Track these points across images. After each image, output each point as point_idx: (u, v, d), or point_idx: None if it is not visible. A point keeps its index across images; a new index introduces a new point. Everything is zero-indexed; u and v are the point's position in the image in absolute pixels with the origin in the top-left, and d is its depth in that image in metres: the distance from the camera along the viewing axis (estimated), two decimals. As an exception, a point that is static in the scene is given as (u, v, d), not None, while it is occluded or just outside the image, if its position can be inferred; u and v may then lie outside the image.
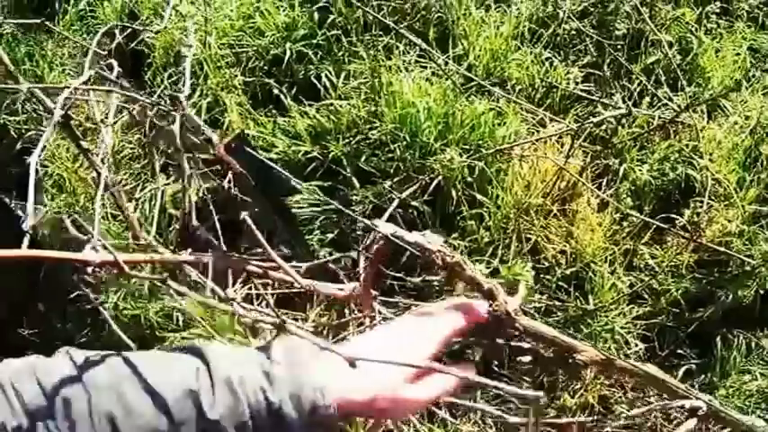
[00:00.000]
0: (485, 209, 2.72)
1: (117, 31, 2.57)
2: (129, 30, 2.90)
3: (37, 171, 1.15)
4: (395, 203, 2.60)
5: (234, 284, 2.32)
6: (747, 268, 2.63)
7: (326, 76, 2.98)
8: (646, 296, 2.70)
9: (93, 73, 1.44)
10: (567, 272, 2.68)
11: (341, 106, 2.90)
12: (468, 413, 2.47)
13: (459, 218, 2.74)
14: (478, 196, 2.73)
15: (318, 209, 2.70)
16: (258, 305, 2.33)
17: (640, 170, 2.83)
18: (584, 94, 2.98)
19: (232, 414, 0.78)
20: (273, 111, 3.02)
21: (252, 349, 0.86)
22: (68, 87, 1.23)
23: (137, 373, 0.79)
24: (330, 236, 2.72)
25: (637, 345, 2.61)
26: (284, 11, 3.14)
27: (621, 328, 2.60)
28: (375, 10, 3.01)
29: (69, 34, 3.19)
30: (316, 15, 3.09)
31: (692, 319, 2.67)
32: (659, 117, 2.84)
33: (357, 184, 2.78)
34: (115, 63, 1.67)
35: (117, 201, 2.10)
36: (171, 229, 2.80)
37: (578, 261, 2.68)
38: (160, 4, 3.21)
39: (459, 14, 3.11)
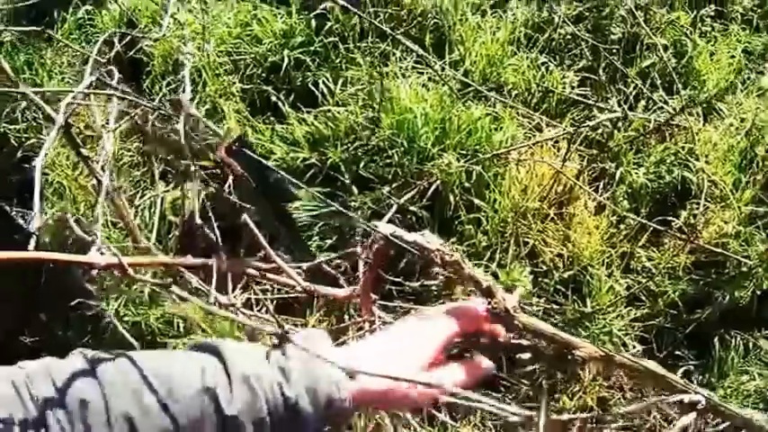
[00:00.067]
0: (482, 213, 2.73)
1: (116, 40, 2.58)
2: (128, 38, 2.91)
3: (40, 177, 1.16)
4: (393, 209, 2.61)
5: (234, 290, 2.33)
6: (744, 269, 2.64)
7: (324, 82, 3.00)
8: (643, 298, 2.71)
9: (94, 79, 1.45)
10: (565, 275, 2.69)
11: (339, 113, 2.92)
12: (468, 416, 2.48)
13: (457, 222, 2.75)
14: (476, 201, 2.74)
15: (317, 212, 2.71)
16: (258, 311, 2.34)
17: (637, 173, 2.84)
18: (580, 98, 3.00)
19: (250, 410, 0.79)
20: (272, 118, 3.03)
21: (265, 346, 0.86)
22: (71, 92, 1.24)
23: (153, 373, 0.78)
24: (329, 242, 2.73)
25: (635, 346, 2.62)
26: (281, 18, 3.16)
27: (619, 330, 2.61)
28: (372, 16, 3.03)
29: (68, 43, 3.20)
30: (313, 22, 3.11)
31: (690, 320, 2.68)
32: (655, 120, 2.85)
33: (355, 191, 2.79)
34: (115, 70, 1.69)
35: (117, 207, 2.11)
36: (170, 236, 2.80)
37: (576, 264, 2.69)
38: (158, 12, 3.23)
39: (456, 20, 3.13)
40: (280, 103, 3.02)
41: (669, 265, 2.70)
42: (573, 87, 3.02)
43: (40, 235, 2.70)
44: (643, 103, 2.96)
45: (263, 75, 3.11)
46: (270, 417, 0.79)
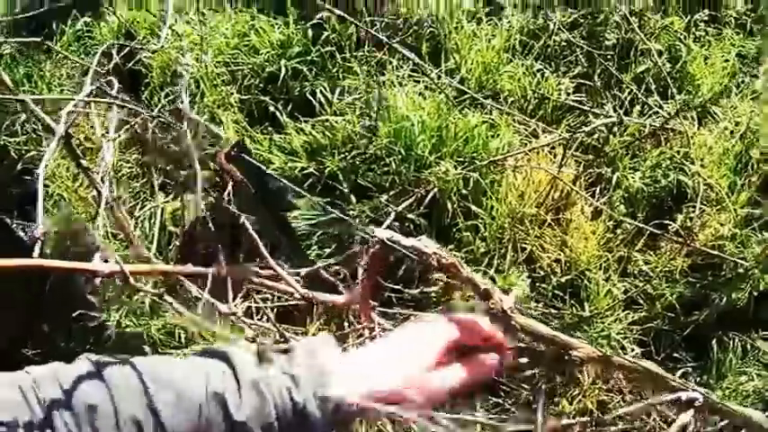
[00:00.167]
0: (480, 220, 2.74)
1: (114, 51, 2.60)
2: (127, 50, 2.92)
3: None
4: (391, 217, 2.62)
5: (234, 299, 2.33)
6: (741, 271, 2.65)
7: (321, 92, 3.01)
8: (641, 301, 2.72)
9: (94, 88, 1.47)
10: (563, 280, 2.70)
11: (336, 122, 2.93)
12: (467, 426, 2.48)
13: (455, 229, 2.76)
14: (473, 207, 2.75)
15: (315, 221, 2.72)
16: (258, 319, 2.35)
17: (633, 178, 2.86)
18: (575, 104, 3.02)
19: (259, 415, 0.79)
20: (269, 128, 3.04)
21: (272, 353, 0.86)
22: (72, 99, 1.26)
23: (160, 377, 0.79)
24: (328, 250, 2.73)
25: (633, 349, 2.62)
26: (279, 29, 3.18)
27: (617, 333, 2.62)
28: (368, 26, 3.05)
29: (67, 54, 3.21)
30: (310, 32, 3.13)
31: (688, 322, 2.69)
32: (650, 125, 2.88)
33: (354, 199, 2.80)
34: (115, 81, 1.71)
35: (117, 219, 2.12)
36: (170, 247, 2.81)
37: (573, 269, 2.70)
38: (156, 23, 3.25)
39: (451, 28, 3.15)
40: (277, 113, 3.03)
41: (666, 269, 2.71)
42: (568, 93, 3.04)
43: (44, 242, 2.70)
44: (638, 108, 2.98)
45: (261, 85, 3.13)
46: (278, 422, 0.79)
